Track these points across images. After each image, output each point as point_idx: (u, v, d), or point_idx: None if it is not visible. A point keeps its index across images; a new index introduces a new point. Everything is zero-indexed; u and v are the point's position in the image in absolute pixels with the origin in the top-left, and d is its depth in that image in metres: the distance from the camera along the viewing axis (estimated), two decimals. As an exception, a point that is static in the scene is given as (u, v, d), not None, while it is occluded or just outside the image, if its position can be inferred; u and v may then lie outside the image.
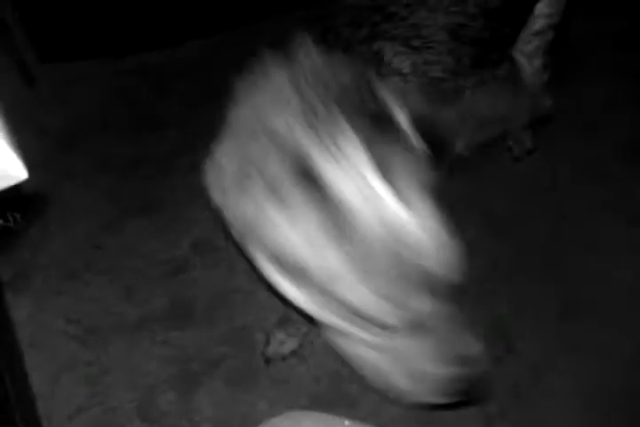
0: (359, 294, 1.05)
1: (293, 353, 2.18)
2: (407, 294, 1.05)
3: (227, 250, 2.38)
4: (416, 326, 1.10)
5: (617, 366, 2.12)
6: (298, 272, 1.09)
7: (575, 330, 2.20)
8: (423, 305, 1.07)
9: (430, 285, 1.07)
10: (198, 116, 2.85)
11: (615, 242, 2.46)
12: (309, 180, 1.04)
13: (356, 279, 1.04)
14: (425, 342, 1.13)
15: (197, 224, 2.52)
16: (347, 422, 1.06)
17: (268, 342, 2.18)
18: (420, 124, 1.21)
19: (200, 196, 2.61)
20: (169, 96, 3.02)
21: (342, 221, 1.02)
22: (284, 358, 2.18)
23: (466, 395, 1.18)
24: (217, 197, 1.30)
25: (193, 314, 2.26)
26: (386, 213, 1.02)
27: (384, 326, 1.11)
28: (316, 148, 1.05)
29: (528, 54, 2.14)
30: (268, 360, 2.17)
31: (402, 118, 1.17)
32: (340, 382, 2.13)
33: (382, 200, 1.03)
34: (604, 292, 2.30)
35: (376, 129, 1.10)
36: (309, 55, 1.25)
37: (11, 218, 1.88)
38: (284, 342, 2.17)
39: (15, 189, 0.58)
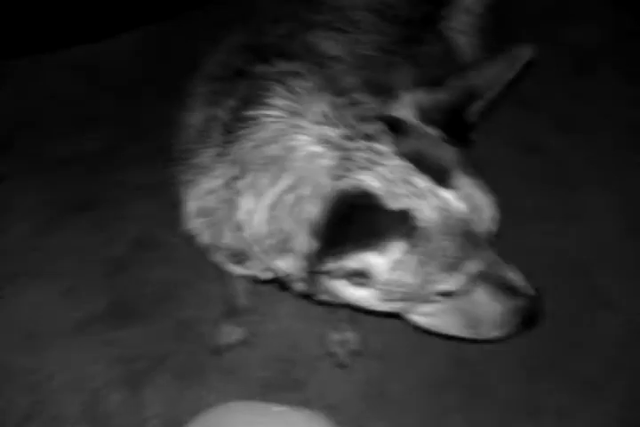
0: (421, 276, 1.14)
1: (242, 342, 2.18)
2: (463, 260, 1.15)
3: (167, 246, 2.36)
4: (471, 282, 1.20)
5: (560, 328, 2.15)
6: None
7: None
8: (477, 265, 1.18)
9: (482, 242, 1.18)
10: (131, 112, 2.80)
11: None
12: None
13: (418, 262, 1.13)
14: (479, 292, 1.23)
15: (136, 221, 2.47)
16: (275, 408, 1.15)
17: (215, 334, 2.17)
18: None
19: (138, 192, 2.58)
20: (101, 91, 2.94)
21: None
22: (232, 348, 2.17)
23: (528, 323, 1.28)
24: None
25: (136, 312, 2.23)
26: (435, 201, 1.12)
27: (444, 294, 1.20)
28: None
29: (461, 31, 2.12)
30: (216, 351, 2.16)
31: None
32: (289, 366, 2.14)
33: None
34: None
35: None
36: None
37: None
38: (231, 333, 2.17)
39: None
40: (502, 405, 2.02)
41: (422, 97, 1.27)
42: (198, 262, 1.79)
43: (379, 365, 2.13)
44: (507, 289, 1.25)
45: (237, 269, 1.54)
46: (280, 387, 2.09)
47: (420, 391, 2.06)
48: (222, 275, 1.86)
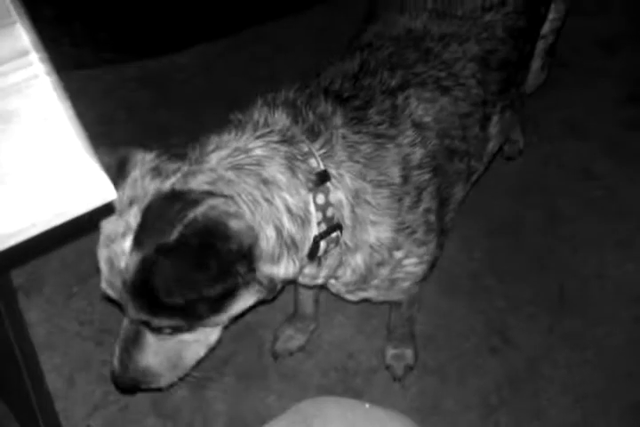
0: None
1: (301, 349, 2.27)
2: None
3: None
4: None
5: (610, 358, 2.23)
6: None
7: (569, 323, 2.31)
8: None
9: None
10: (201, 124, 2.91)
11: (603, 239, 2.57)
12: None
13: None
14: None
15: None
16: (367, 405, 1.15)
17: (276, 339, 2.27)
18: None
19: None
20: (171, 104, 3.07)
21: None
22: (291, 354, 2.27)
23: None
24: None
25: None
26: None
27: None
28: None
29: (537, 55, 2.19)
30: (276, 356, 2.25)
31: None
32: (346, 375, 2.22)
33: None
34: (595, 287, 2.42)
35: None
36: None
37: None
38: (291, 338, 2.26)
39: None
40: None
41: None
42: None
43: (434, 381, 2.20)
44: None
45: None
46: (337, 394, 2.17)
47: (473, 410, 2.13)
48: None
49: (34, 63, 0.68)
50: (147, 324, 1.34)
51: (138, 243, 1.21)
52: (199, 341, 1.43)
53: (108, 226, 1.26)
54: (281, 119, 1.42)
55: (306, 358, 2.27)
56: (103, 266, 1.28)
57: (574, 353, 2.24)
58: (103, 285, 1.32)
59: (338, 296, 1.73)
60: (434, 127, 1.59)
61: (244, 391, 2.17)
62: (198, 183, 1.25)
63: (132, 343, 1.42)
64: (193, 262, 1.17)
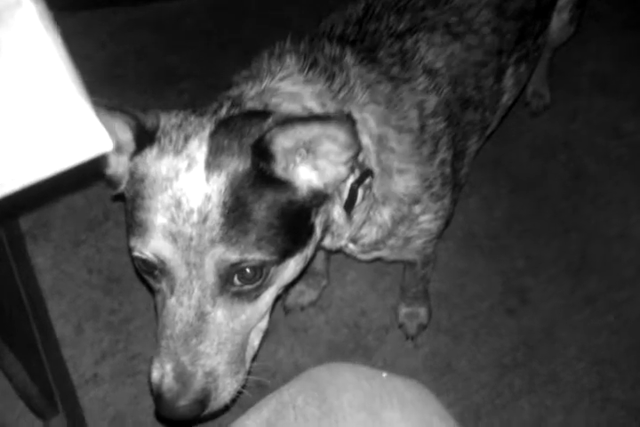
0: None
1: (312, 304, 2.23)
2: None
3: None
4: None
5: (630, 323, 2.17)
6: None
7: (590, 286, 2.25)
8: None
9: None
10: (214, 67, 2.81)
11: (628, 199, 2.47)
12: None
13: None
14: None
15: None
16: (384, 374, 1.08)
17: (287, 293, 2.22)
18: None
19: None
20: (181, 48, 2.95)
21: None
22: (302, 309, 2.22)
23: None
24: None
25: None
26: None
27: None
28: None
29: (557, 9, 2.09)
30: (287, 310, 2.21)
31: None
32: (358, 332, 2.18)
33: None
34: (618, 249, 2.34)
35: None
36: None
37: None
38: (303, 293, 2.21)
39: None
40: (568, 393, 2.05)
41: None
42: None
43: (447, 340, 2.16)
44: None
45: None
46: (348, 352, 2.14)
47: (486, 371, 2.09)
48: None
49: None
50: (233, 272, 1.11)
51: (216, 166, 1.10)
52: (256, 322, 1.23)
53: (154, 170, 1.12)
54: (291, 65, 1.35)
55: (317, 313, 2.23)
56: (161, 217, 1.09)
57: (593, 317, 2.18)
58: (156, 243, 1.09)
59: (350, 256, 1.68)
60: (445, 74, 1.53)
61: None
62: (253, 105, 1.23)
63: (196, 334, 1.13)
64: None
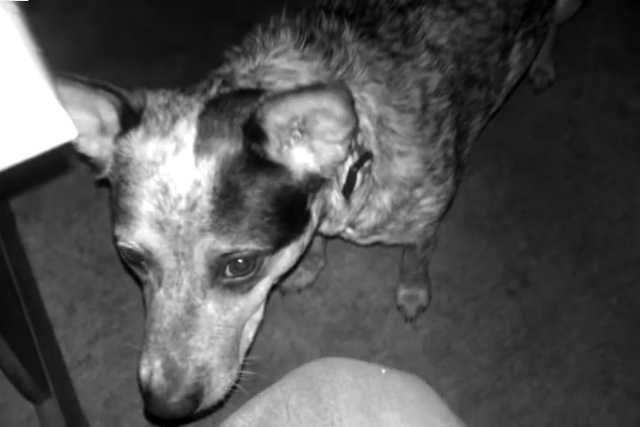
0: None
1: (309, 285, 2.18)
2: None
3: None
4: None
5: (633, 305, 2.14)
6: None
7: (592, 268, 2.21)
8: None
9: None
10: (206, 41, 2.73)
11: (633, 180, 2.42)
12: None
13: None
14: None
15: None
16: (383, 371, 1.01)
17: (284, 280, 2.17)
18: None
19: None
20: (175, 21, 2.87)
21: None
22: (299, 291, 2.18)
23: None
24: None
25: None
26: None
27: None
28: None
29: None
30: (283, 292, 2.17)
31: None
32: (356, 314, 2.14)
33: None
34: (622, 230, 2.30)
35: None
36: None
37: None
38: (300, 275, 2.17)
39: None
40: (570, 376, 2.01)
41: None
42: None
43: (447, 322, 2.12)
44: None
45: None
46: (346, 333, 2.10)
47: (487, 353, 2.05)
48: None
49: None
50: (224, 263, 1.05)
51: (205, 148, 1.03)
52: (250, 314, 1.17)
53: (139, 153, 1.05)
54: (286, 40, 1.28)
55: (314, 295, 2.19)
56: (147, 204, 1.03)
57: (596, 299, 2.14)
58: (142, 232, 1.03)
59: (349, 241, 1.63)
60: (449, 50, 1.47)
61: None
62: (245, 84, 1.18)
63: (186, 328, 1.07)
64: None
